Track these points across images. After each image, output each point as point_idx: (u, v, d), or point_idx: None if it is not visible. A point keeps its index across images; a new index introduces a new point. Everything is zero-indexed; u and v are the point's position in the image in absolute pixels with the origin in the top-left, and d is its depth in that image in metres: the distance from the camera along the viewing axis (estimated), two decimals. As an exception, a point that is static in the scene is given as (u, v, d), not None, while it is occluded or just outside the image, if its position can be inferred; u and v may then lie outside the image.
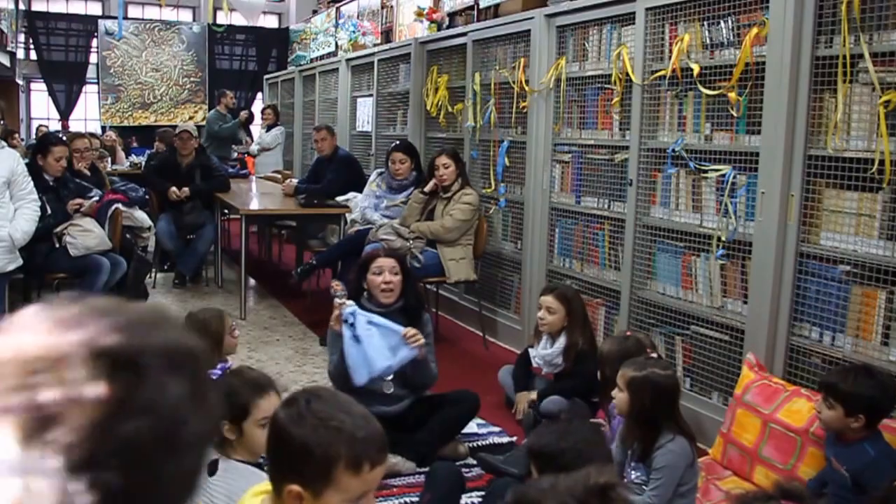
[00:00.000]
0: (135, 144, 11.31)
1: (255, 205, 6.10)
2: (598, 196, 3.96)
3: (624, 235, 3.72)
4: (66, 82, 12.63)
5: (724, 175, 3.15)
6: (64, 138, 5.16)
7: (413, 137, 5.71)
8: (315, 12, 12.11)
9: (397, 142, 5.34)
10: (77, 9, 13.47)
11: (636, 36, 3.56)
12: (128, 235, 5.26)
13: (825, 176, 2.76)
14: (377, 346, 2.93)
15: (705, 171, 3.25)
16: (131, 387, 0.56)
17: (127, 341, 0.57)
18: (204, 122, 10.56)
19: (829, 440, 2.43)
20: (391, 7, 8.49)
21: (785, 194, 2.86)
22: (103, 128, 12.12)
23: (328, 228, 6.48)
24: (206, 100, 12.96)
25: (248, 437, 2.01)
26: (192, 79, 13.03)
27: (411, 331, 2.98)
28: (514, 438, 3.32)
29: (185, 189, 6.05)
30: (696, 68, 3.22)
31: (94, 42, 12.65)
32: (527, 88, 4.39)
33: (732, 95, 3.07)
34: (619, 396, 2.42)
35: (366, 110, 6.88)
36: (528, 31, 4.41)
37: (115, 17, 12.02)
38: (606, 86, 3.87)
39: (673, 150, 3.39)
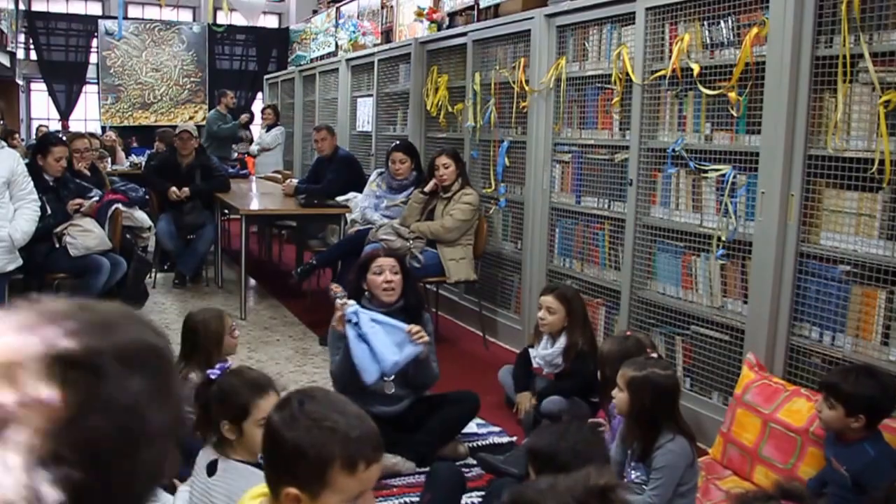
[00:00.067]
0: (135, 144, 11.30)
1: (255, 205, 6.10)
2: (598, 196, 3.96)
3: (624, 235, 3.72)
4: (66, 82, 12.63)
5: (724, 175, 3.15)
6: (64, 138, 5.16)
7: (413, 137, 5.71)
8: (315, 12, 12.11)
9: (397, 142, 5.34)
10: (77, 9, 13.47)
11: (636, 36, 3.56)
12: (128, 235, 5.26)
13: (825, 176, 2.76)
14: (384, 341, 2.93)
15: (705, 171, 3.25)
16: (90, 387, 0.59)
17: (84, 344, 0.60)
18: (204, 122, 10.56)
19: (829, 440, 2.43)
20: (391, 7, 8.49)
21: (785, 194, 2.86)
22: (103, 128, 12.12)
23: (328, 228, 6.48)
24: (206, 100, 12.96)
25: (248, 437, 2.01)
26: (192, 79, 13.03)
27: (415, 327, 2.99)
28: (514, 438, 3.32)
29: (185, 189, 6.05)
30: (696, 68, 3.22)
31: (94, 42, 12.65)
32: (527, 88, 4.39)
33: (732, 95, 3.07)
34: (619, 396, 2.42)
35: (366, 110, 6.88)
36: (528, 31, 4.41)
37: (115, 17, 12.02)
38: (606, 86, 3.87)
39: (673, 150, 3.39)
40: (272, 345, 4.69)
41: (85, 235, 4.51)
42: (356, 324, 2.95)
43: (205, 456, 2.10)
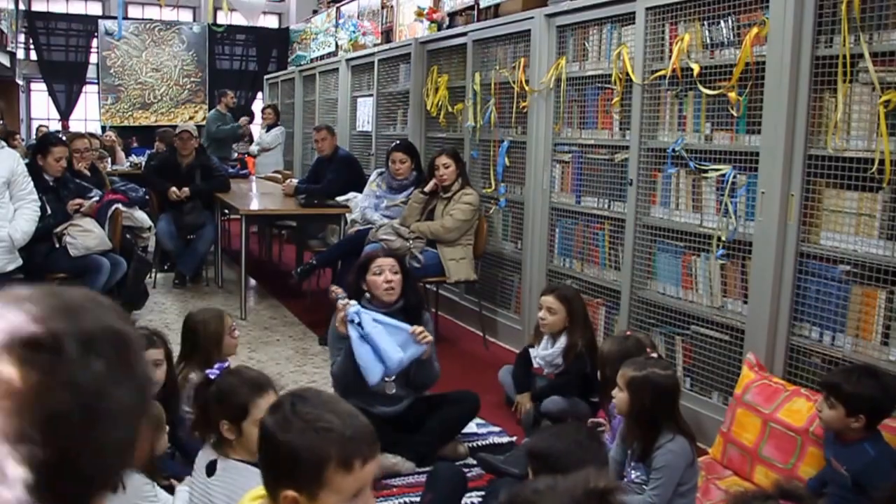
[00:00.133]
0: (135, 144, 11.30)
1: (255, 205, 6.10)
2: (598, 196, 3.96)
3: (624, 235, 3.72)
4: (66, 82, 12.63)
5: (724, 175, 3.14)
6: (64, 138, 5.15)
7: (413, 137, 5.71)
8: (315, 12, 12.11)
9: (397, 142, 5.34)
10: (77, 9, 13.47)
11: (636, 36, 3.56)
12: (128, 235, 5.26)
13: (825, 176, 2.76)
14: (387, 340, 2.93)
15: (705, 171, 3.25)
16: (52, 367, 0.62)
17: (48, 327, 0.63)
18: (204, 122, 10.56)
19: (829, 440, 2.42)
20: (391, 7, 8.49)
21: (785, 194, 2.86)
22: (103, 128, 12.11)
23: (328, 228, 6.48)
24: (206, 100, 12.96)
25: (247, 437, 2.01)
26: (192, 79, 13.03)
27: (419, 328, 2.99)
28: (514, 438, 3.31)
29: (185, 189, 6.05)
30: (696, 68, 3.22)
31: (94, 42, 12.65)
32: (527, 88, 4.39)
33: (732, 95, 3.07)
34: (619, 396, 2.42)
35: (366, 110, 6.88)
36: (528, 30, 4.41)
37: (115, 17, 12.03)
38: (606, 86, 3.87)
39: (673, 150, 3.39)
40: (272, 345, 4.69)
41: (85, 235, 4.51)
42: (359, 324, 2.95)
43: (204, 456, 2.10)
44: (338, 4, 10.27)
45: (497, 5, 5.71)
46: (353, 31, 9.09)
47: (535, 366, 3.48)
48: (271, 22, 14.40)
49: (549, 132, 4.31)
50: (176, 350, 2.88)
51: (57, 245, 4.50)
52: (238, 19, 12.14)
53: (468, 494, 2.68)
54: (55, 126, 12.13)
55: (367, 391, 2.99)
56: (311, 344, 4.69)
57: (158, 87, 12.86)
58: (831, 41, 2.72)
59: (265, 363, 4.26)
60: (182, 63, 12.96)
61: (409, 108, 5.91)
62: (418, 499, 2.69)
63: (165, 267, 6.51)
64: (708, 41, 3.25)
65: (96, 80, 12.66)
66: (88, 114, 13.37)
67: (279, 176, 7.74)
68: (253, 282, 6.51)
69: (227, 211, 6.37)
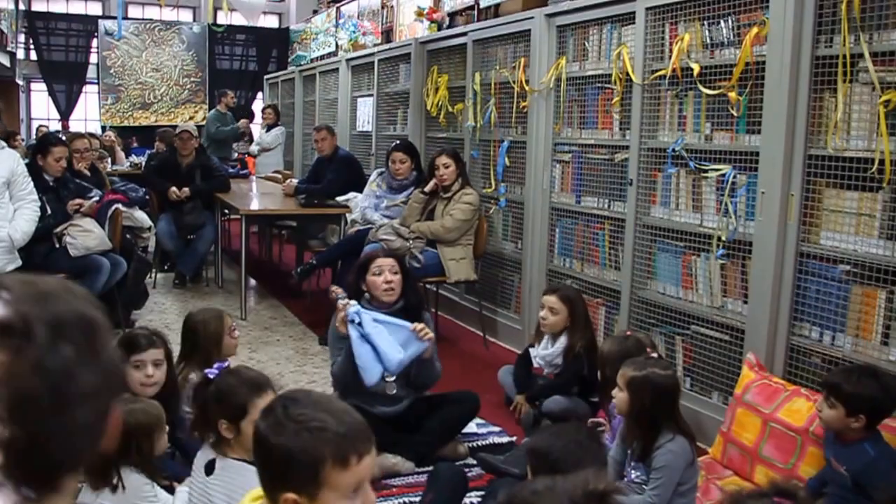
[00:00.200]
0: (135, 144, 11.30)
1: (255, 205, 6.10)
2: (598, 196, 3.96)
3: (624, 235, 3.72)
4: (66, 82, 12.63)
5: (724, 175, 3.14)
6: (64, 138, 5.15)
7: (413, 137, 5.71)
8: (315, 12, 12.11)
9: (397, 142, 5.34)
10: (77, 9, 13.47)
11: (636, 36, 3.56)
12: (128, 235, 5.25)
13: (825, 175, 2.76)
14: (388, 341, 2.93)
15: (705, 171, 3.24)
16: (21, 350, 0.65)
17: (18, 312, 0.66)
18: (204, 122, 10.56)
19: (829, 440, 2.42)
20: (391, 7, 8.49)
21: (785, 194, 2.85)
22: (103, 128, 12.11)
23: (328, 228, 6.48)
24: (206, 100, 12.97)
25: (246, 436, 2.01)
26: (192, 79, 13.03)
27: (420, 325, 2.99)
28: (514, 438, 3.31)
29: (186, 189, 6.05)
30: (696, 68, 3.22)
31: (94, 42, 12.65)
32: (527, 88, 4.39)
33: (732, 95, 3.07)
34: (619, 396, 2.42)
35: (366, 110, 6.88)
36: (529, 30, 4.41)
37: (115, 18, 12.03)
38: (606, 85, 3.87)
39: (673, 150, 3.39)
40: (272, 345, 4.69)
41: (85, 235, 4.50)
42: (359, 324, 2.95)
43: (203, 456, 2.10)
44: (338, 4, 10.27)
45: (497, 5, 5.71)
46: (353, 31, 9.09)
47: (535, 365, 3.49)
48: (271, 22, 14.40)
49: (549, 132, 4.31)
50: (176, 350, 2.88)
51: (57, 245, 4.50)
52: (238, 19, 12.14)
53: (468, 494, 2.68)
54: (55, 126, 12.13)
55: (368, 391, 2.99)
56: (311, 344, 4.69)
57: (158, 87, 12.86)
58: (831, 41, 2.72)
59: (265, 363, 4.26)
60: (182, 63, 12.97)
61: (409, 108, 5.91)
62: (418, 499, 2.69)
63: (165, 267, 6.51)
64: (708, 41, 3.25)
65: (96, 80, 12.66)
66: (88, 114, 13.37)
67: (279, 176, 7.74)
68: (253, 282, 6.51)
69: (227, 211, 6.37)
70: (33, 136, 11.13)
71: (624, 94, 3.70)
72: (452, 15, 6.78)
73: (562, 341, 3.39)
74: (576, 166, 4.14)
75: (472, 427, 3.34)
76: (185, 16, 14.14)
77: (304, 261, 5.48)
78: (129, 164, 8.87)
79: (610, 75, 3.76)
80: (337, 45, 10.07)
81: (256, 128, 10.11)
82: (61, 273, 4.46)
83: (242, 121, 9.77)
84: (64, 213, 4.55)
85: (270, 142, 8.90)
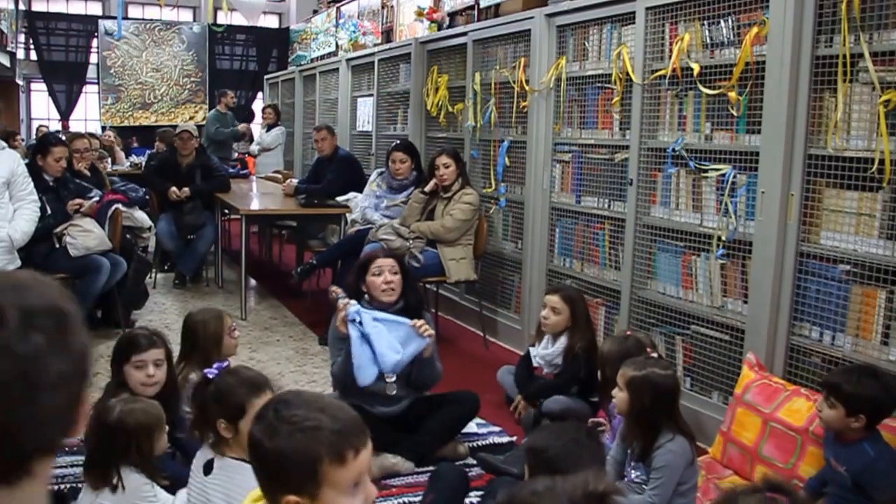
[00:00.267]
0: (135, 144, 11.30)
1: (255, 205, 6.10)
2: (598, 196, 3.96)
3: (624, 235, 3.72)
4: (66, 82, 12.63)
5: (724, 174, 3.14)
6: (64, 138, 5.15)
7: (413, 137, 5.71)
8: (315, 12, 12.11)
9: (397, 141, 5.34)
10: (77, 9, 13.47)
11: (636, 35, 3.56)
12: (128, 236, 5.25)
13: (825, 175, 2.76)
14: (387, 340, 2.93)
15: (705, 171, 3.24)
16: None
17: None
18: (204, 122, 10.55)
19: (828, 440, 2.42)
20: (391, 7, 8.49)
21: (785, 194, 2.85)
22: (103, 128, 12.11)
23: (328, 228, 6.48)
24: (206, 100, 12.97)
25: (244, 436, 2.01)
26: (192, 79, 13.03)
27: (420, 322, 2.99)
28: (514, 438, 3.31)
29: (186, 189, 6.05)
30: (696, 68, 3.22)
31: (95, 42, 12.65)
32: (527, 88, 4.39)
33: (732, 95, 3.07)
34: (619, 396, 2.42)
35: (366, 110, 6.88)
36: (529, 30, 4.41)
37: (115, 18, 12.03)
38: (606, 85, 3.87)
39: (673, 150, 3.39)
40: (272, 345, 4.69)
41: (85, 236, 4.50)
42: (360, 323, 2.95)
43: (202, 456, 2.10)
44: (338, 4, 10.28)
45: (497, 5, 5.71)
46: (354, 31, 9.09)
47: (535, 365, 3.49)
48: (271, 22, 14.41)
49: (549, 132, 4.31)
50: (176, 350, 2.88)
51: (57, 245, 4.50)
52: (238, 19, 12.15)
53: (468, 494, 2.68)
54: (55, 126, 12.13)
55: (368, 391, 2.99)
56: (311, 344, 4.69)
57: (158, 87, 12.86)
58: (831, 41, 2.72)
59: (265, 363, 4.26)
60: (182, 63, 12.97)
61: (410, 108, 5.91)
62: (418, 499, 2.69)
63: (165, 267, 6.51)
64: (708, 41, 3.25)
65: (96, 80, 12.67)
66: (88, 114, 13.37)
67: (279, 176, 7.74)
68: (253, 282, 6.51)
69: (227, 211, 6.36)
70: (33, 136, 11.13)
71: (624, 94, 3.70)
72: (452, 15, 6.78)
73: (562, 341, 3.39)
74: (576, 166, 4.14)
75: (472, 427, 3.34)
76: (185, 16, 14.14)
77: (304, 261, 5.48)
78: (129, 164, 8.87)
79: (610, 75, 3.76)
80: (337, 45, 10.07)
81: (257, 128, 10.11)
82: (61, 273, 4.47)
83: (243, 125, 9.77)
84: (64, 214, 4.55)
85: (270, 142, 8.90)
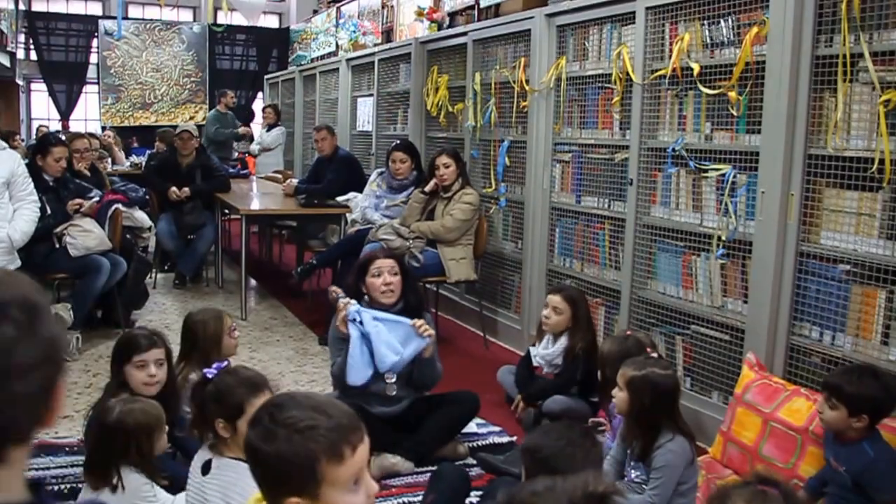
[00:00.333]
0: (135, 144, 11.30)
1: (255, 205, 6.10)
2: (598, 196, 3.96)
3: (624, 235, 3.72)
4: (66, 82, 12.63)
5: (724, 174, 3.14)
6: (64, 138, 5.15)
7: (413, 137, 5.71)
8: (315, 12, 12.12)
9: (397, 141, 5.34)
10: (77, 9, 13.48)
11: (636, 35, 3.56)
12: (128, 236, 5.25)
13: (825, 175, 2.76)
14: (386, 340, 2.93)
15: (705, 171, 3.24)
16: None
17: None
18: (204, 122, 10.56)
19: (828, 440, 2.42)
20: (391, 7, 8.49)
21: (785, 194, 2.85)
22: (103, 128, 12.11)
23: (328, 228, 6.47)
24: (206, 100, 12.97)
25: (242, 435, 2.01)
26: (192, 79, 13.04)
27: (420, 321, 2.99)
28: (514, 438, 3.31)
29: (186, 189, 6.05)
30: (696, 68, 3.22)
31: (95, 42, 12.65)
32: (527, 88, 4.39)
33: (732, 95, 3.07)
34: (619, 396, 2.42)
35: (366, 110, 6.88)
36: (529, 30, 4.41)
37: (115, 18, 12.03)
38: (607, 85, 3.87)
39: (673, 150, 3.39)
40: (272, 345, 4.69)
41: (85, 236, 4.50)
42: (360, 322, 2.95)
43: (200, 456, 2.10)
44: (338, 4, 10.28)
45: (497, 5, 5.71)
46: (354, 31, 9.09)
47: (535, 364, 3.49)
48: (271, 22, 14.41)
49: (549, 132, 4.31)
50: (176, 350, 2.88)
51: (57, 245, 4.49)
52: (238, 19, 12.15)
53: (469, 495, 2.68)
54: (55, 126, 12.13)
55: (368, 391, 2.99)
56: (311, 344, 4.69)
57: (158, 87, 12.86)
58: (831, 41, 2.72)
59: (266, 363, 4.26)
60: (182, 63, 12.97)
61: (410, 107, 5.91)
62: (418, 499, 2.69)
63: (165, 267, 6.51)
64: (708, 41, 3.25)
65: (96, 80, 12.67)
66: (88, 114, 13.37)
67: (279, 176, 7.74)
68: (253, 282, 6.51)
69: (227, 211, 6.36)
70: (33, 137, 11.13)
71: (624, 93, 3.70)
72: (452, 15, 6.78)
73: (562, 341, 3.39)
74: (576, 166, 4.14)
75: (472, 427, 3.34)
76: (185, 16, 14.14)
77: (305, 261, 5.48)
78: (129, 164, 8.86)
79: (610, 75, 3.76)
80: (337, 45, 10.07)
81: (257, 128, 10.11)
82: (61, 273, 4.47)
83: (243, 128, 9.76)
84: (64, 214, 4.55)
85: (271, 142, 8.90)
